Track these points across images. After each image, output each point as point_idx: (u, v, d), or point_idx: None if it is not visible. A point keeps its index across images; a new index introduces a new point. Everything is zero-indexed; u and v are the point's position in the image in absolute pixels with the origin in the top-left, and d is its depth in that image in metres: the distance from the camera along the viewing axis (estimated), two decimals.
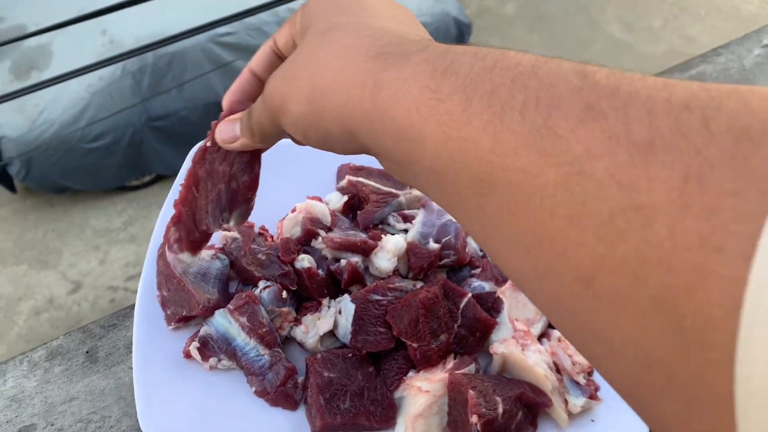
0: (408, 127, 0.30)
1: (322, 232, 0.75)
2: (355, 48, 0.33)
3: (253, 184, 0.60)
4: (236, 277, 0.76)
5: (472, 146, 0.27)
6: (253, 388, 0.69)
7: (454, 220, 0.78)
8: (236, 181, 0.59)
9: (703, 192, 0.19)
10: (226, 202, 0.61)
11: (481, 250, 0.79)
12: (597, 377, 0.73)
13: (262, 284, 0.72)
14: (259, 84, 0.48)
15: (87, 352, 0.74)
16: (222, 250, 0.77)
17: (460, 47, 0.31)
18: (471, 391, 0.65)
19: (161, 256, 0.74)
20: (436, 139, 0.29)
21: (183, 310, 0.71)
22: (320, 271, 0.74)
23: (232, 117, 0.49)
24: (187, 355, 0.70)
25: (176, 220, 0.65)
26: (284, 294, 0.71)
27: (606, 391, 0.72)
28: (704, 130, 0.20)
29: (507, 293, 0.74)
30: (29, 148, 2.42)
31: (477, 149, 0.27)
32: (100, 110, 2.50)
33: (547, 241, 0.24)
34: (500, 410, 0.65)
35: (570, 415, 0.70)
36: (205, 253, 0.75)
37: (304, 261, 0.73)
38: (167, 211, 0.79)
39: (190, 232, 0.64)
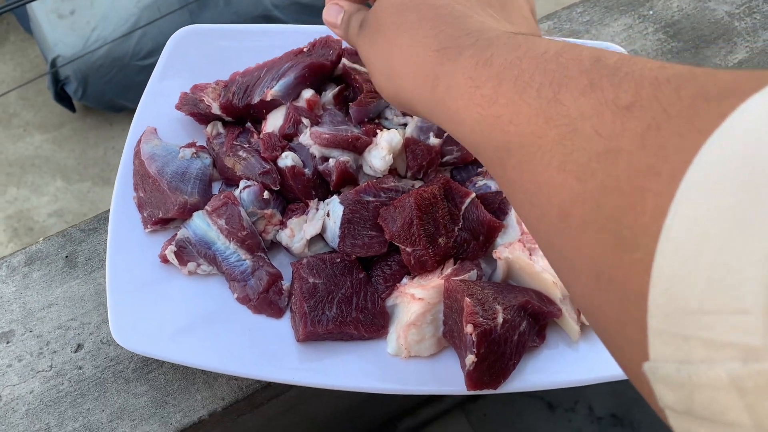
0: (455, 111, 0.36)
1: (306, 121, 0.67)
2: (422, 42, 0.40)
3: None
4: (220, 178, 0.70)
5: (497, 120, 0.33)
6: (235, 295, 0.65)
7: None
8: None
9: (658, 135, 0.24)
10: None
11: None
12: None
13: (242, 184, 0.66)
14: None
15: (66, 257, 0.70)
16: (203, 148, 0.71)
17: (503, 37, 0.36)
18: (467, 299, 0.58)
19: (137, 154, 0.68)
20: (473, 119, 0.35)
21: (159, 212, 0.66)
22: (307, 171, 0.67)
23: (340, 2, 0.52)
24: (164, 260, 0.65)
25: None
26: (266, 194, 0.65)
27: None
28: (674, 94, 0.25)
29: None
30: (84, 67, 2.39)
31: (500, 122, 0.32)
32: (150, 26, 2.44)
33: (543, 189, 0.29)
34: (500, 320, 0.58)
35: (582, 326, 0.63)
36: (185, 152, 0.69)
37: (288, 159, 0.66)
38: (145, 105, 0.73)
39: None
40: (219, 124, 0.71)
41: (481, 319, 0.58)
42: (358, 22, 0.49)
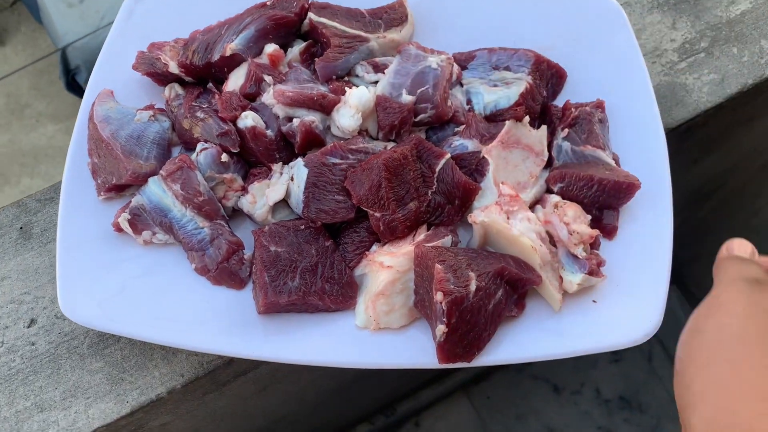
0: None
1: (269, 79, 0.63)
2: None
3: None
4: (179, 143, 0.66)
5: None
6: (193, 265, 0.60)
7: (433, 65, 0.64)
8: None
9: None
10: None
11: (467, 104, 0.65)
12: (603, 249, 0.60)
13: (199, 146, 0.62)
14: None
15: (21, 228, 0.67)
16: (162, 111, 0.66)
17: None
18: (438, 265, 0.54)
19: (91, 118, 0.64)
20: None
21: (113, 179, 0.62)
22: (269, 132, 0.62)
23: None
24: (118, 229, 0.61)
25: None
26: (224, 157, 0.61)
27: (612, 267, 0.59)
28: None
29: (494, 153, 0.61)
30: (93, 56, 2.35)
31: None
32: None
33: None
34: (473, 287, 0.54)
35: (565, 295, 0.58)
36: (142, 114, 0.65)
37: (248, 119, 0.61)
38: (101, 66, 0.69)
39: None
40: (177, 86, 0.66)
41: (452, 286, 0.53)
42: None
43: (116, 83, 0.67)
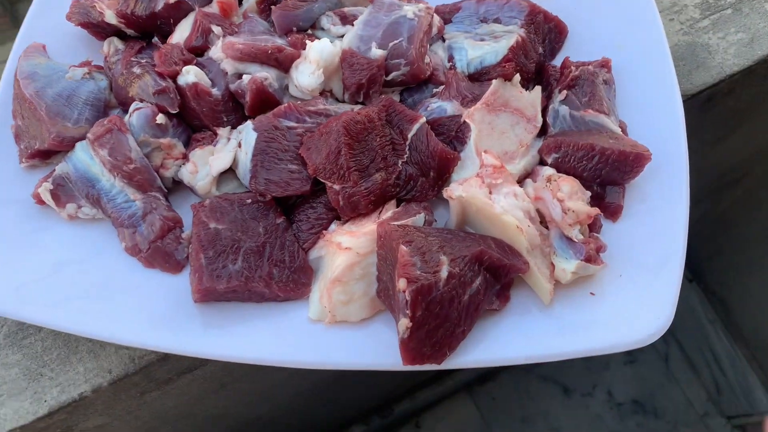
0: None
1: (218, 30, 0.54)
2: None
3: None
4: (117, 105, 0.57)
5: None
6: (123, 244, 0.52)
7: (409, 15, 0.55)
8: None
9: None
10: None
11: (449, 61, 0.56)
12: (605, 233, 0.50)
13: (133, 106, 0.53)
14: None
15: None
16: (100, 68, 0.58)
17: None
18: (403, 246, 0.45)
19: (16, 75, 0.56)
20: None
21: (36, 143, 0.53)
22: (215, 90, 0.53)
23: None
24: (39, 201, 0.52)
25: None
26: (160, 118, 0.52)
27: (615, 253, 0.49)
28: None
29: (477, 117, 0.52)
30: None
31: None
32: None
33: None
34: (443, 274, 0.45)
35: (558, 285, 0.48)
36: (75, 72, 0.56)
37: (190, 75, 0.52)
38: (33, 17, 0.61)
39: None
40: (117, 40, 0.58)
41: (418, 272, 0.44)
42: None
43: (50, 37, 0.59)
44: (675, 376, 1.44)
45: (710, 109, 0.66)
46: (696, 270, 1.38)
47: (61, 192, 0.52)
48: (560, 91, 0.54)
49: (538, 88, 0.54)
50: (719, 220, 1.24)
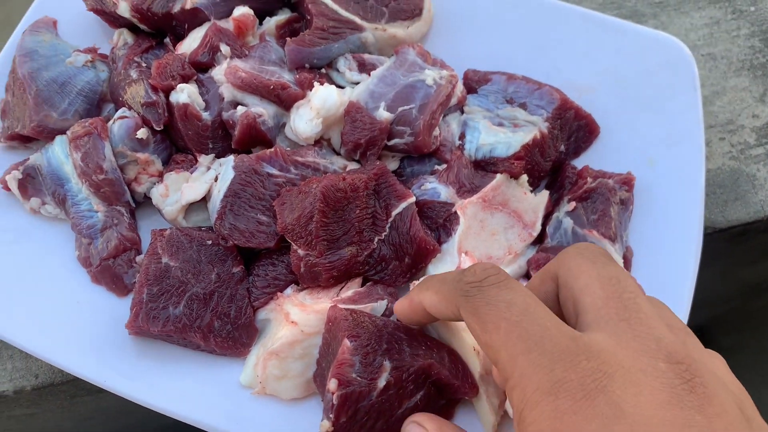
0: None
1: (226, 49, 0.50)
2: None
3: None
4: (111, 99, 0.54)
5: None
6: (77, 253, 0.50)
7: (428, 81, 0.51)
8: None
9: None
10: None
11: (460, 139, 0.51)
12: None
13: (119, 113, 0.50)
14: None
15: None
16: (105, 58, 0.55)
17: None
18: (347, 341, 0.41)
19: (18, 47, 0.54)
20: None
21: (18, 126, 0.51)
22: (206, 115, 0.50)
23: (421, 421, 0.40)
24: (5, 187, 0.50)
25: None
26: (141, 132, 0.49)
27: None
28: None
29: (469, 211, 0.47)
30: None
31: None
32: None
33: None
34: (381, 383, 0.41)
35: (505, 418, 0.44)
36: (77, 57, 0.54)
37: (183, 94, 0.49)
38: None
39: None
40: (127, 32, 0.55)
41: (354, 375, 0.40)
42: None
43: (64, 13, 0.57)
44: None
45: (743, 242, 0.60)
46: None
47: (30, 184, 0.50)
48: (569, 201, 0.49)
49: (545, 193, 0.49)
50: (747, 318, 1.17)
